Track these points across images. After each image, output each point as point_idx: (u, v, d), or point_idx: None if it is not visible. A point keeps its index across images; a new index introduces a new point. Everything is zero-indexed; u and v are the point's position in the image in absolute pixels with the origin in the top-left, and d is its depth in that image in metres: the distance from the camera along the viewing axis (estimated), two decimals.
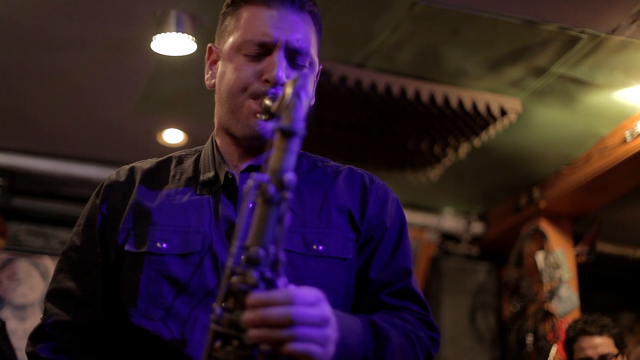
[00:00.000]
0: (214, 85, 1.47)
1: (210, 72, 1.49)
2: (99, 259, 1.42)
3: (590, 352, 3.24)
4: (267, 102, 1.30)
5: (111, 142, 4.65)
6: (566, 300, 4.76)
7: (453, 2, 3.19)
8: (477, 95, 3.89)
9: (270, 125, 1.29)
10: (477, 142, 4.22)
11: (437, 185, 4.86)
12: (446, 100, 3.83)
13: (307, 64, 1.40)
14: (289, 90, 1.08)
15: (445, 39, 3.50)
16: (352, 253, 1.39)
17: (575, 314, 4.63)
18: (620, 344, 3.27)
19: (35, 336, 1.43)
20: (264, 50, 1.38)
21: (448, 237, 5.53)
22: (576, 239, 5.11)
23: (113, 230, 1.41)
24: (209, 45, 1.51)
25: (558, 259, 4.87)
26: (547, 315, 4.77)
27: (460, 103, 3.86)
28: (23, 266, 4.78)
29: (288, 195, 1.03)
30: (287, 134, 1.04)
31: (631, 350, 3.68)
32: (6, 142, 4.67)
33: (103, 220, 1.43)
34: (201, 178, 1.44)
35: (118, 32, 3.49)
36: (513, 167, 4.81)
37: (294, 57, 1.39)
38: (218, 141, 1.47)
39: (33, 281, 4.76)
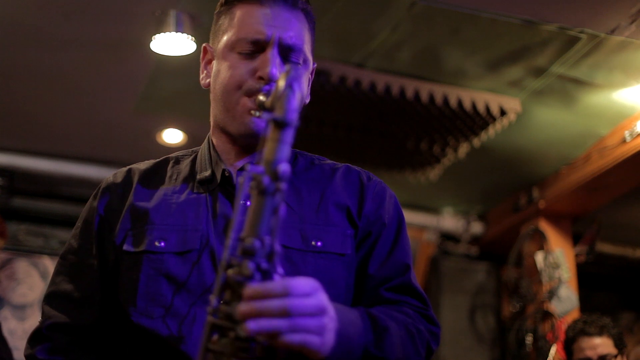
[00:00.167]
0: (209, 84, 1.47)
1: (205, 72, 1.50)
2: (97, 260, 1.42)
3: (589, 353, 3.23)
4: (262, 98, 1.30)
5: (111, 142, 4.65)
6: (565, 300, 4.76)
7: (453, 2, 3.19)
8: (476, 95, 3.89)
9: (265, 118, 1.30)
10: (476, 142, 4.22)
11: (436, 185, 4.86)
12: (445, 100, 3.84)
13: (300, 61, 1.41)
14: (281, 82, 1.08)
15: (445, 39, 3.50)
16: (350, 249, 1.39)
17: (575, 314, 4.62)
18: (619, 344, 3.27)
19: (33, 339, 1.43)
20: (258, 47, 1.38)
21: (447, 237, 5.52)
22: (576, 239, 5.10)
23: (111, 232, 1.42)
24: (204, 44, 1.51)
25: (557, 259, 4.86)
26: (547, 315, 4.77)
27: (460, 103, 3.86)
28: (22, 266, 4.78)
29: (283, 185, 1.03)
30: (280, 124, 1.04)
31: (631, 351, 3.68)
32: (6, 142, 4.67)
33: (101, 221, 1.44)
34: (198, 177, 1.44)
35: (117, 32, 3.49)
36: (512, 167, 4.81)
37: (288, 54, 1.39)
38: (214, 140, 1.48)
39: (32, 281, 4.76)
